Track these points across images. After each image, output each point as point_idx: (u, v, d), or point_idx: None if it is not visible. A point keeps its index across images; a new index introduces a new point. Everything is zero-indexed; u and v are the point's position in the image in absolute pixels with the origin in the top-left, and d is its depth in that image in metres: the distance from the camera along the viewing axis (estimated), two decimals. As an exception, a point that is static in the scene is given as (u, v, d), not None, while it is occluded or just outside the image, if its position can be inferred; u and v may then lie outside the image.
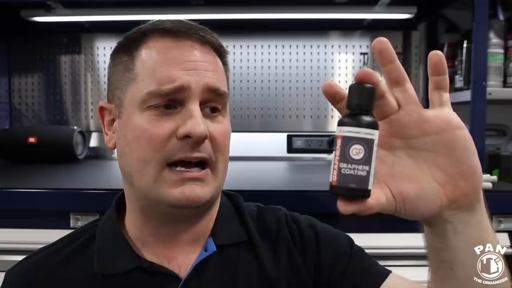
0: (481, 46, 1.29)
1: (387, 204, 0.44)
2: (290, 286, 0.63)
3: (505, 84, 1.40)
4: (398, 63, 0.43)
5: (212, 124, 0.60)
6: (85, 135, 1.75)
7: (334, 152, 0.41)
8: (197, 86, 0.58)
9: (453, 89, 1.53)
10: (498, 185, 1.13)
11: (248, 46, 1.87)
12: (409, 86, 0.44)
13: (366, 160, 0.40)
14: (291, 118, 1.88)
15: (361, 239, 0.70)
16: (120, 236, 0.63)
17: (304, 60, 1.87)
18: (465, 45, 1.45)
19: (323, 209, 1.09)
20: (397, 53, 0.44)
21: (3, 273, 0.65)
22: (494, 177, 1.12)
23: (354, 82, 0.42)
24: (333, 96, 0.43)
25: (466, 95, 1.35)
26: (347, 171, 0.40)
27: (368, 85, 0.41)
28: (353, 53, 1.86)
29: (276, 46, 1.87)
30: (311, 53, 1.87)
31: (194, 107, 0.58)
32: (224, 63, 0.65)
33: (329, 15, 1.69)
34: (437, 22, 1.78)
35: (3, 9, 1.64)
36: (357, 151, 0.40)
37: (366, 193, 0.41)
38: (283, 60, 1.87)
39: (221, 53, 0.64)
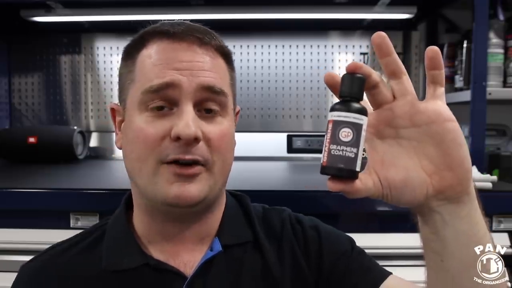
0: (481, 46, 1.29)
1: (374, 189, 0.46)
2: (294, 286, 0.63)
3: (505, 84, 1.39)
4: (395, 56, 0.46)
5: (208, 126, 0.60)
6: (85, 135, 1.75)
7: (325, 135, 0.44)
8: (190, 85, 0.58)
9: (453, 89, 1.53)
10: (498, 185, 1.13)
11: (248, 46, 1.87)
12: (405, 78, 0.46)
13: (354, 142, 0.43)
14: (291, 118, 1.88)
15: (361, 239, 0.71)
16: (129, 234, 0.65)
17: (304, 60, 1.87)
18: (465, 45, 1.45)
19: (323, 209, 1.10)
20: (397, 53, 0.46)
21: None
22: (494, 177, 1.12)
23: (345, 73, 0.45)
24: (334, 86, 0.46)
25: (466, 95, 1.35)
26: (336, 152, 0.43)
27: (359, 75, 0.44)
28: (353, 53, 1.86)
29: (276, 46, 1.87)
30: (311, 53, 1.87)
31: (186, 108, 0.58)
32: (228, 64, 0.65)
33: (329, 15, 1.69)
34: (437, 22, 1.78)
35: (3, 9, 1.64)
36: (346, 134, 0.43)
37: (353, 174, 0.44)
38: (283, 60, 1.87)
39: (224, 54, 0.64)
